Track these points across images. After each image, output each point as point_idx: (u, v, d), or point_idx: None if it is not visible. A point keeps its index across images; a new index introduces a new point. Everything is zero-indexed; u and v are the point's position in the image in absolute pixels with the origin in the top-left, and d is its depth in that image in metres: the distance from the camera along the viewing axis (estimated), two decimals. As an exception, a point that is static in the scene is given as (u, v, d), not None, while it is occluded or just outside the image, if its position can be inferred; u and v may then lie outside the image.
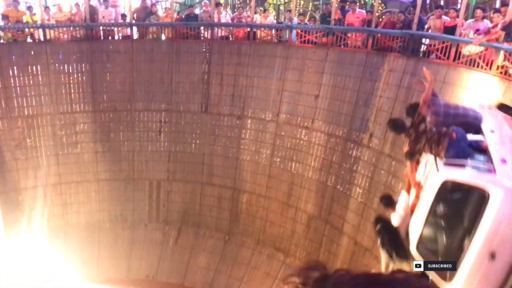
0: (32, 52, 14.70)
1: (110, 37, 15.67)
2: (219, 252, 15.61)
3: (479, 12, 10.77)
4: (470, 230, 5.34)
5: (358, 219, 12.68)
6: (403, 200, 6.99)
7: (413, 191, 6.66)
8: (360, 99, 12.80)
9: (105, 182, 15.80)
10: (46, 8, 15.75)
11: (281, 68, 14.34)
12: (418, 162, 6.59)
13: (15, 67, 14.51)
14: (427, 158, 6.48)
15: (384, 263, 6.82)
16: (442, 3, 17.81)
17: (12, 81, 14.47)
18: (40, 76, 14.75)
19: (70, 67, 15.09)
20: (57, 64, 14.91)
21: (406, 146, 6.50)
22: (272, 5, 22.54)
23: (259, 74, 14.72)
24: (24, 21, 15.18)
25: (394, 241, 6.41)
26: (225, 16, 16.23)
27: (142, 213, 16.18)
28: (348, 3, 14.55)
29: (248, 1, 23.01)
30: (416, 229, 6.06)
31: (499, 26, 9.66)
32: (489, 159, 5.61)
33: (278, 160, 14.67)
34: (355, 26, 13.45)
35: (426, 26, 12.45)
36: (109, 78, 15.43)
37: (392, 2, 22.75)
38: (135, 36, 15.79)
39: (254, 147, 15.04)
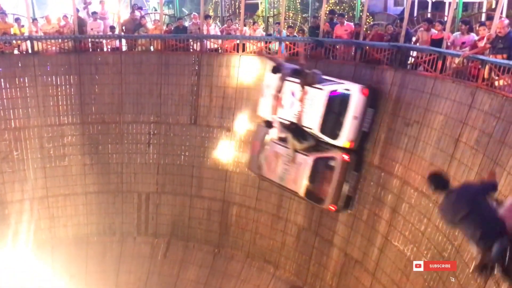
0: (20, 64, 14.61)
1: (98, 49, 15.62)
2: (208, 265, 15.47)
3: (462, 25, 10.93)
4: (345, 110, 11.33)
5: (348, 231, 12.64)
6: (276, 120, 12.32)
7: (296, 106, 11.76)
8: (349, 111, 12.84)
9: (93, 195, 15.64)
10: (34, 20, 15.70)
11: (270, 80, 14.34)
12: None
13: (2, 79, 14.40)
14: (290, 88, 11.97)
15: (292, 147, 11.95)
16: (429, 15, 18.04)
17: (-2, 93, 14.36)
18: (27, 88, 14.64)
19: (58, 79, 15.00)
20: (45, 76, 14.82)
21: (303, 82, 11.54)
22: (261, 17, 22.67)
23: (248, 86, 14.72)
24: (12, 33, 15.10)
25: (301, 133, 11.76)
26: (214, 28, 16.29)
27: (130, 226, 16.01)
28: (336, 16, 14.68)
29: (237, 14, 23.16)
30: (315, 122, 11.44)
31: (485, 40, 9.78)
32: (330, 81, 11.79)
33: (267, 172, 14.62)
34: (344, 38, 13.55)
35: (414, 39, 12.59)
36: (98, 90, 15.35)
37: (379, 14, 23.05)
38: (124, 48, 15.76)
39: (243, 159, 14.99)
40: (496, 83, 9.11)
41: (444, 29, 11.38)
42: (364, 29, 13.76)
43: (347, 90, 11.44)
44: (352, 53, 13.21)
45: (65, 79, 15.05)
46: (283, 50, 14.43)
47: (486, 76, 9.36)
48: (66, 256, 15.30)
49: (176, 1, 20.30)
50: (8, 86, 14.47)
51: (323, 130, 11.46)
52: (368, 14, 18.25)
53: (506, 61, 8.90)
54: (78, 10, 16.00)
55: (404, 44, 12.10)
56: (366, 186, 12.16)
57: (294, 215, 14.09)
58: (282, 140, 12.24)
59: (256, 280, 14.78)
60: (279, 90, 12.07)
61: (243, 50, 15.01)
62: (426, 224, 10.19)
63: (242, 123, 14.86)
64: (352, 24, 14.15)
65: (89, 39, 15.45)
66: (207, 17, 16.00)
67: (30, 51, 14.76)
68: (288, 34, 14.88)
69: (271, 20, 20.73)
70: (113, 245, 15.84)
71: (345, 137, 11.36)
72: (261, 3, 28.37)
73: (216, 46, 15.51)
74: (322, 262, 13.37)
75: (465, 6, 21.61)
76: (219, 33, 15.96)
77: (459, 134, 9.62)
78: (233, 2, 30.18)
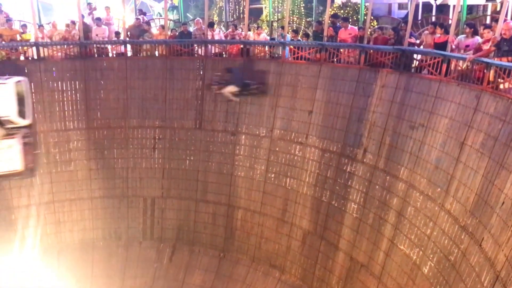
0: (26, 70, 14.70)
1: (104, 55, 15.74)
2: (214, 269, 15.47)
3: (467, 28, 10.90)
4: (24, 96, 13.27)
5: (353, 234, 12.62)
6: None
7: None
8: (353, 114, 12.84)
9: (99, 200, 15.70)
10: (40, 26, 15.82)
11: (274, 84, 14.40)
12: None
13: (8, 85, 14.48)
14: None
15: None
16: (433, 19, 18.03)
17: (5, 99, 14.44)
18: (33, 94, 14.71)
19: (64, 85, 15.12)
20: (50, 82, 14.95)
21: None
22: (265, 22, 22.75)
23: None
24: (18, 39, 15.21)
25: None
26: (219, 33, 16.35)
27: (136, 231, 16.06)
28: (339, 20, 14.68)
29: (241, 18, 23.22)
30: (13, 109, 12.89)
31: (490, 43, 9.75)
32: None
33: (272, 176, 14.64)
34: (348, 42, 13.55)
35: (418, 41, 12.56)
36: (103, 95, 15.45)
37: (384, 18, 23.05)
38: (129, 53, 15.85)
39: (248, 163, 15.01)
40: (501, 86, 9.07)
41: (444, 33, 11.35)
42: (368, 33, 13.76)
43: (20, 81, 13.41)
44: (356, 56, 13.21)
45: (71, 84, 15.17)
46: (287, 55, 14.47)
47: (491, 79, 9.33)
48: (72, 260, 15.35)
49: (181, 6, 20.40)
50: (14, 92, 14.54)
51: (19, 114, 13.31)
52: (372, 17, 18.26)
53: (511, 64, 8.87)
54: (83, 16, 16.11)
55: (408, 47, 12.08)
56: (372, 190, 12.15)
57: (299, 219, 14.08)
58: None
59: (262, 284, 14.75)
60: None
61: (248, 55, 15.06)
62: (432, 228, 10.15)
63: (247, 127, 14.90)
64: (356, 28, 14.15)
65: (95, 45, 15.57)
66: (211, 24, 16.05)
67: (36, 57, 14.87)
68: (292, 38, 14.91)
69: (275, 24, 20.78)
70: (118, 250, 15.88)
71: (30, 116, 13.71)
72: (265, 7, 28.51)
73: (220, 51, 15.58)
74: (328, 266, 13.34)
75: (470, 9, 21.60)
76: (223, 38, 16.01)
77: (464, 137, 9.59)
78: (237, 7, 30.31)
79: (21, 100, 13.55)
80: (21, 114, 13.61)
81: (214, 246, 15.70)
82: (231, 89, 14.41)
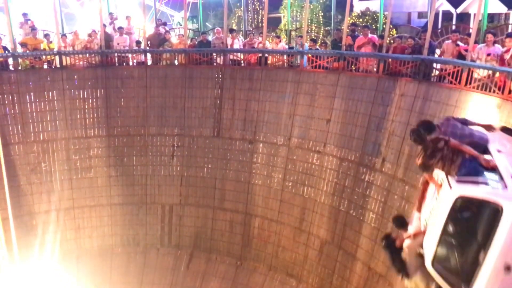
0: (49, 78, 15.05)
1: (124, 63, 15.98)
2: (231, 277, 15.46)
3: (490, 36, 10.75)
4: (484, 245, 5.42)
5: (371, 244, 12.50)
6: (415, 220, 7.11)
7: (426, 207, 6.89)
8: (372, 123, 12.78)
9: (118, 206, 15.87)
10: (63, 35, 16.16)
11: (292, 92, 14.43)
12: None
13: (32, 93, 14.83)
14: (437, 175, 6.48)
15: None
16: (453, 27, 17.87)
17: (28, 106, 14.79)
18: (56, 101, 15.04)
19: (85, 93, 15.38)
20: (72, 90, 15.23)
21: (420, 159, 6.33)
22: (283, 31, 22.84)
23: (270, 98, 14.82)
24: (42, 48, 15.57)
25: (397, 259, 6.94)
26: (238, 42, 16.47)
27: (154, 238, 16.16)
28: (359, 28, 14.66)
29: (260, 27, 23.36)
30: (431, 245, 6.15)
31: (511, 52, 9.64)
32: (500, 177, 5.53)
33: (290, 184, 14.62)
34: (365, 51, 13.50)
35: (438, 51, 12.47)
36: (123, 103, 15.67)
37: (403, 27, 22.93)
38: (149, 62, 16.06)
39: (266, 172, 15.02)
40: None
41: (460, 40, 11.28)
42: (388, 41, 13.71)
43: (497, 202, 6.87)
44: (375, 65, 13.17)
45: (92, 92, 15.42)
46: (305, 63, 14.49)
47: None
48: (91, 266, 15.51)
49: (200, 15, 20.61)
50: (37, 100, 14.89)
51: (437, 265, 7.30)
52: (391, 26, 18.19)
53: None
54: (105, 26, 16.40)
55: (428, 56, 12.00)
56: (390, 200, 12.04)
57: (316, 228, 14.01)
58: None
59: (279, 293, 14.69)
60: None
61: (266, 64, 15.13)
62: (452, 239, 9.99)
63: (264, 136, 14.93)
64: (375, 36, 14.11)
65: (116, 54, 15.82)
66: (232, 31, 16.20)
67: (58, 65, 15.18)
68: (310, 47, 14.93)
69: (293, 33, 20.84)
70: (136, 256, 15.99)
71: None
72: (283, 16, 28.63)
73: (238, 59, 15.68)
74: (346, 276, 13.22)
75: (491, 17, 21.36)
76: (242, 47, 16.11)
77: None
78: (256, 16, 30.51)
79: None
80: None
81: (231, 254, 15.70)
82: None
